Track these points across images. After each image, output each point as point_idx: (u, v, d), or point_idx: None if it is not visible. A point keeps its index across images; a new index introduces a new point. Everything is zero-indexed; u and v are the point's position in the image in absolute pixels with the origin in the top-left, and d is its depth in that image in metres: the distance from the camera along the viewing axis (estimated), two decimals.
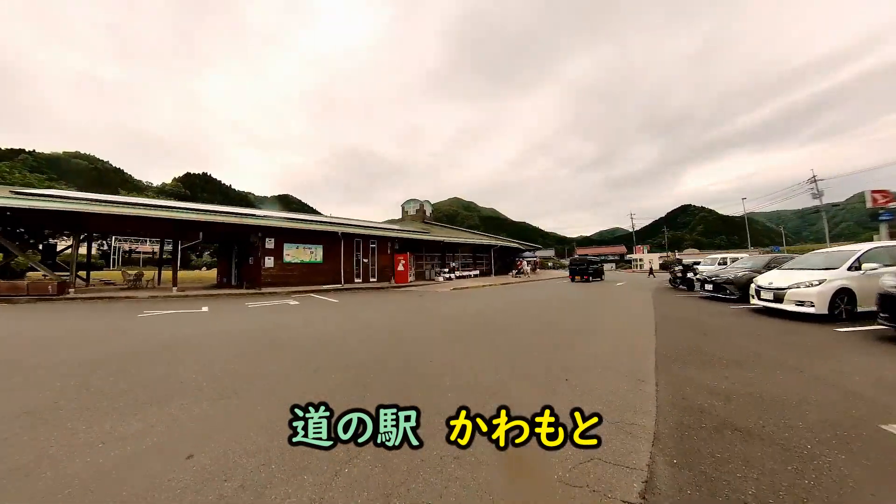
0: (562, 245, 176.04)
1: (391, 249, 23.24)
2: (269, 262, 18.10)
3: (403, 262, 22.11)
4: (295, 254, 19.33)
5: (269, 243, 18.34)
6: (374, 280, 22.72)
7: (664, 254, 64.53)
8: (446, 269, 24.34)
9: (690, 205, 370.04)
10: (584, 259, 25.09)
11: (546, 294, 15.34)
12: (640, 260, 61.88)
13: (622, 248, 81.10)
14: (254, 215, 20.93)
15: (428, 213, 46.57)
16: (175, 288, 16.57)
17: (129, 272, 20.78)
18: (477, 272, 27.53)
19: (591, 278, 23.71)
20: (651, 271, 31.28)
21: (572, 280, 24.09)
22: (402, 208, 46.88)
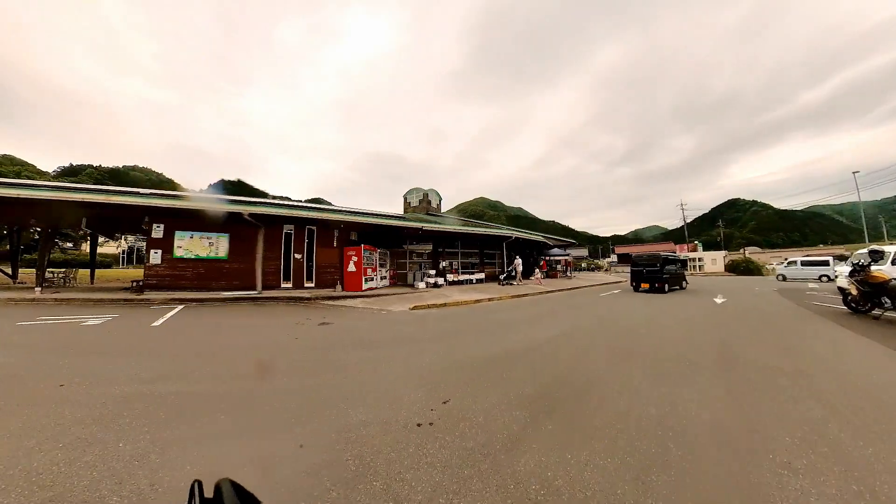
0: (593, 244, 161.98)
1: (340, 241, 15.94)
2: (155, 257, 13.02)
3: (356, 259, 14.65)
4: (188, 245, 13.34)
5: (157, 231, 13.09)
6: (311, 285, 15.18)
7: (723, 252, 52.41)
8: (432, 272, 16.78)
9: (739, 199, 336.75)
10: (654, 256, 15.83)
11: (585, 333, 6.24)
12: (700, 260, 50.23)
13: (671, 246, 67.70)
14: (122, 192, 13.31)
15: (434, 204, 39.03)
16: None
17: None
18: (482, 275, 19.62)
19: (666, 287, 14.97)
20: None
21: (635, 289, 15.73)
22: (405, 199, 39.66)
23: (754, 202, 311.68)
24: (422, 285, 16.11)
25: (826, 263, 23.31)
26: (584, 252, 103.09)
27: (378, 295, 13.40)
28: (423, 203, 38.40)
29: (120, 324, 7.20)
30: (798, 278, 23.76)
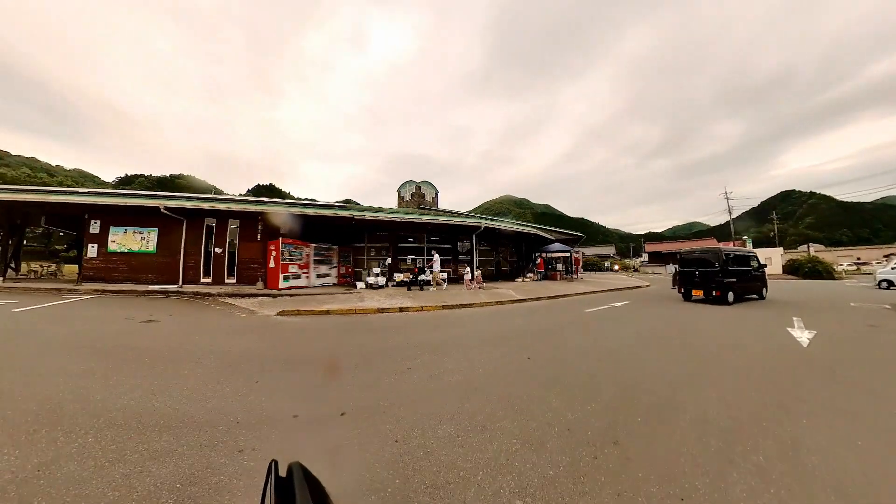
0: (625, 243, 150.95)
1: (265, 235, 13.23)
2: (91, 250, 13.57)
3: (275, 253, 12.06)
4: (122, 240, 13.64)
5: (94, 227, 13.63)
6: (233, 281, 13.24)
7: (779, 249, 43.81)
8: (376, 271, 13.54)
9: (794, 191, 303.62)
10: (712, 253, 11.29)
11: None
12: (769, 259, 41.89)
13: (713, 243, 58.09)
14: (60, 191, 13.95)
15: (428, 198, 35.91)
16: None
17: None
18: (444, 275, 16.11)
19: (730, 296, 10.58)
20: None
21: (685, 297, 11.85)
22: (398, 193, 36.90)
23: (811, 194, 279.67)
24: (361, 285, 13.09)
25: None
26: (609, 250, 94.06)
27: (293, 294, 11.35)
28: (416, 196, 35.35)
29: None
30: None
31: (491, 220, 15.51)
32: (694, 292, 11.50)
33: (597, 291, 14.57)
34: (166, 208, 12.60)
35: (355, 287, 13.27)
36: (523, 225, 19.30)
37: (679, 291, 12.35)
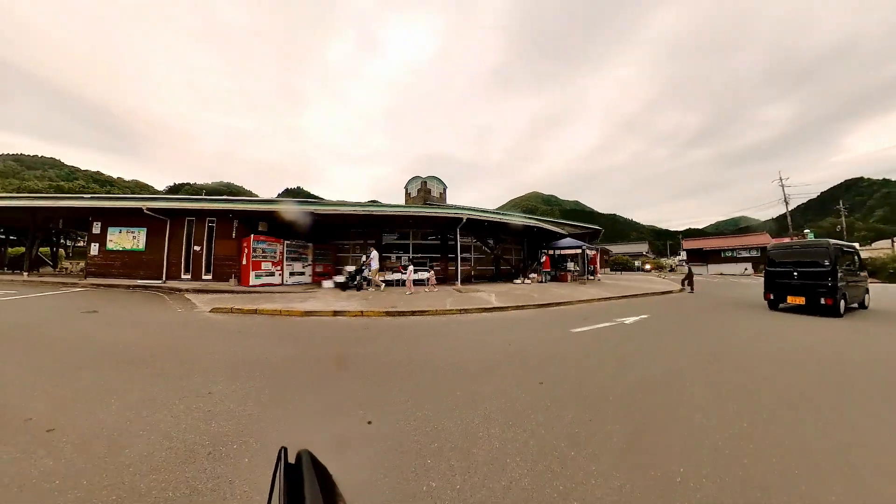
0: (661, 240, 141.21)
1: (240, 233, 13.29)
2: (93, 249, 14.77)
3: (246, 251, 12.08)
4: (118, 239, 14.73)
5: (96, 227, 14.84)
6: (209, 277, 13.72)
7: (854, 245, 33.63)
8: (350, 269, 12.99)
9: (863, 178, 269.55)
10: (823, 247, 8.83)
11: None
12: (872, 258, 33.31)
13: (765, 238, 50.60)
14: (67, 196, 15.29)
15: (436, 193, 35.32)
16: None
17: None
18: (429, 274, 15.19)
19: (841, 305, 8.40)
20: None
21: (772, 305, 9.76)
22: (405, 190, 36.72)
23: (885, 181, 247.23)
24: (329, 284, 12.71)
25: None
26: (641, 248, 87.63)
27: (257, 292, 11.29)
28: (422, 192, 34.91)
29: None
30: None
31: (476, 210, 14.41)
32: (790, 299, 9.00)
33: (609, 298, 11.64)
34: (148, 209, 13.19)
35: (321, 286, 12.94)
36: (522, 217, 17.68)
37: (767, 298, 9.78)
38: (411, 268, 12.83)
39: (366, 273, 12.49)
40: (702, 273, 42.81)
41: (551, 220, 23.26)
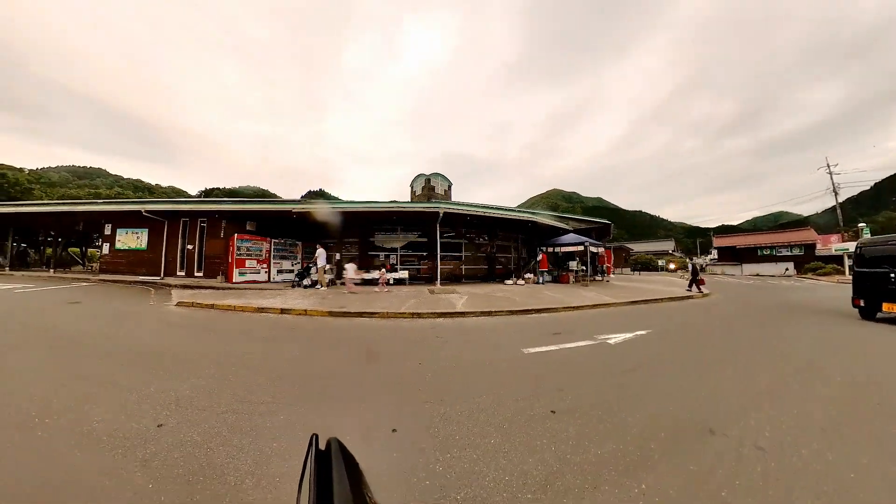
0: (691, 237, 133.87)
1: (228, 232, 13.97)
2: (105, 248, 16.48)
3: (232, 248, 12.73)
4: (125, 239, 16.17)
5: (107, 229, 16.46)
6: (200, 275, 14.66)
7: None
8: (328, 267, 13.30)
9: None
10: None
11: None
12: None
13: (809, 234, 45.34)
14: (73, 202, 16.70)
15: (440, 190, 35.30)
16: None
17: None
18: (404, 273, 14.85)
19: None
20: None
21: (864, 314, 8.10)
22: (411, 188, 37.08)
23: None
24: (306, 282, 13.11)
25: None
26: (667, 246, 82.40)
27: (239, 288, 11.85)
28: (426, 190, 35.04)
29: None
30: None
31: (455, 204, 14.16)
32: (886, 307, 7.53)
33: (608, 305, 9.81)
34: (147, 211, 14.28)
35: (300, 284, 13.36)
36: (509, 210, 16.98)
37: (856, 305, 8.26)
38: (352, 266, 12.60)
39: (313, 272, 12.66)
40: (734, 274, 39.32)
41: (551, 213, 21.02)
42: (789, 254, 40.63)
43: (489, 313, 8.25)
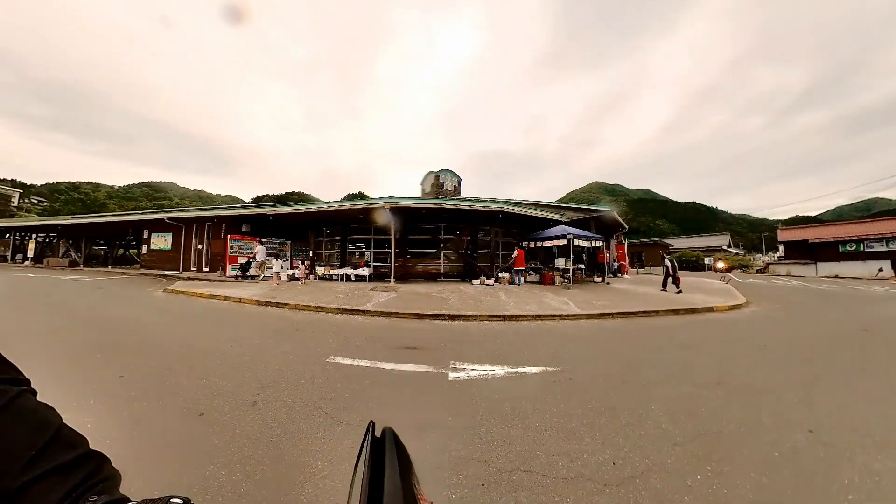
0: (756, 232, 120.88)
1: (227, 233, 16.78)
2: (144, 249, 20.78)
3: (226, 247, 15.54)
4: (156, 242, 20.11)
5: (146, 234, 20.59)
6: (206, 269, 17.83)
7: None
8: (303, 263, 15.39)
9: None
10: None
11: None
12: None
13: None
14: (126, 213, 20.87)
15: (449, 187, 35.52)
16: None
17: None
18: (366, 270, 15.38)
19: None
20: None
21: None
22: (421, 186, 38.73)
23: None
24: (284, 277, 15.38)
25: None
26: (721, 241, 69.74)
27: (225, 281, 14.29)
28: (435, 186, 36.11)
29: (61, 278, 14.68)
30: None
31: (403, 199, 13.81)
32: None
33: (563, 317, 7.57)
34: (169, 219, 17.81)
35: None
36: (463, 202, 15.88)
37: None
38: (278, 262, 14.25)
39: (252, 266, 14.79)
40: (804, 275, 31.19)
41: (536, 202, 19.05)
42: (885, 249, 30.58)
43: (363, 312, 7.66)
